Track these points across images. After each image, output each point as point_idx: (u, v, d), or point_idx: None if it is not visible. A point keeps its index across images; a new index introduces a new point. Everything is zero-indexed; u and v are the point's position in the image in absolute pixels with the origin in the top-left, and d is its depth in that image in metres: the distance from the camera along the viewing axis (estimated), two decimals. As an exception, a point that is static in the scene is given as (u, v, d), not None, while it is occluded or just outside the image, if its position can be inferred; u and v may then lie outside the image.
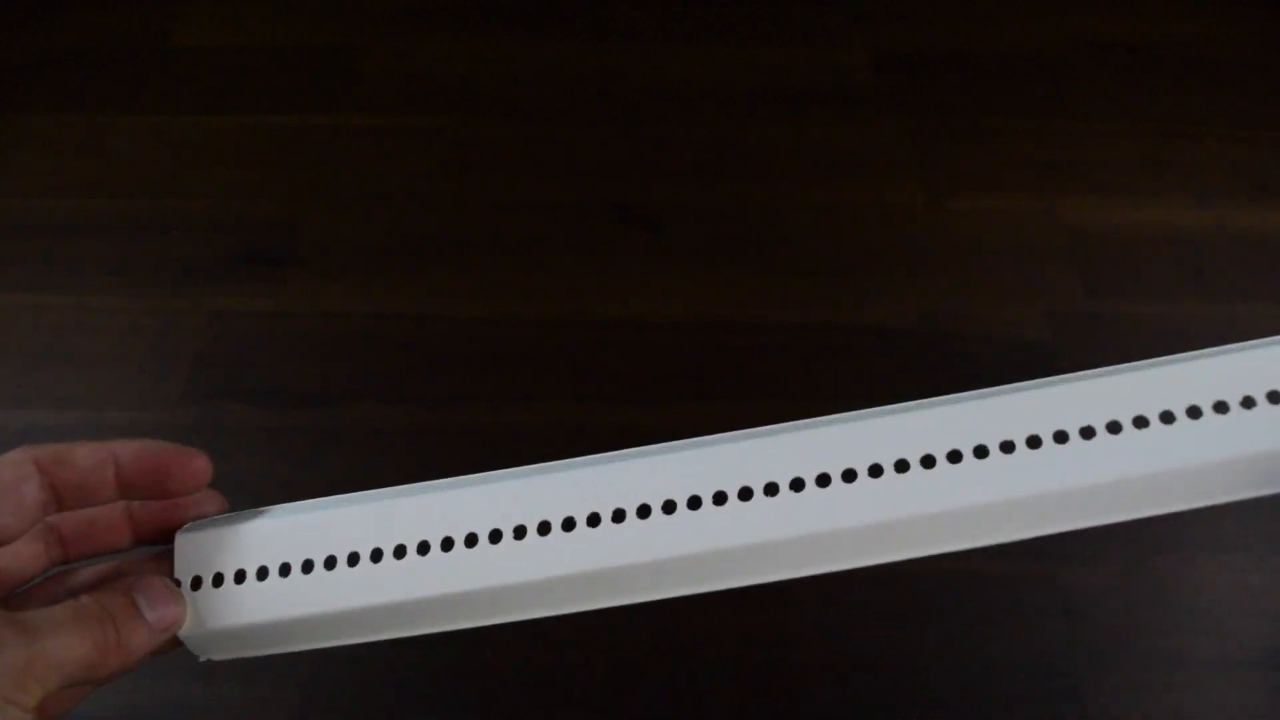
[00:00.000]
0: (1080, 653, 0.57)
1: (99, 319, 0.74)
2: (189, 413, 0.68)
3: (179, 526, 0.32)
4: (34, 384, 0.70)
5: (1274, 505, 0.63)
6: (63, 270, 0.77)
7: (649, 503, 0.30)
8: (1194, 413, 0.28)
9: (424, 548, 0.30)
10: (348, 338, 0.72)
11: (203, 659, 0.32)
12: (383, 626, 0.31)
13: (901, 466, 0.29)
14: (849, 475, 0.29)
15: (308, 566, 0.30)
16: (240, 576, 0.31)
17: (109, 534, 0.32)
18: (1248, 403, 0.27)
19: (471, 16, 0.95)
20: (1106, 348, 0.70)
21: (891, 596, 0.59)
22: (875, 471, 0.29)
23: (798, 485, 0.29)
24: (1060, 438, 0.28)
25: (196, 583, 0.31)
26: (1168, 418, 0.28)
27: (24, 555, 0.31)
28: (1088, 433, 0.28)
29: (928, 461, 0.28)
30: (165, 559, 0.32)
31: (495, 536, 0.30)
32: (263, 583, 0.31)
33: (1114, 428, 0.28)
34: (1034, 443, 0.28)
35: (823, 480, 0.29)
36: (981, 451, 0.28)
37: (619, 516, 0.30)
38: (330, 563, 0.30)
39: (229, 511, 0.33)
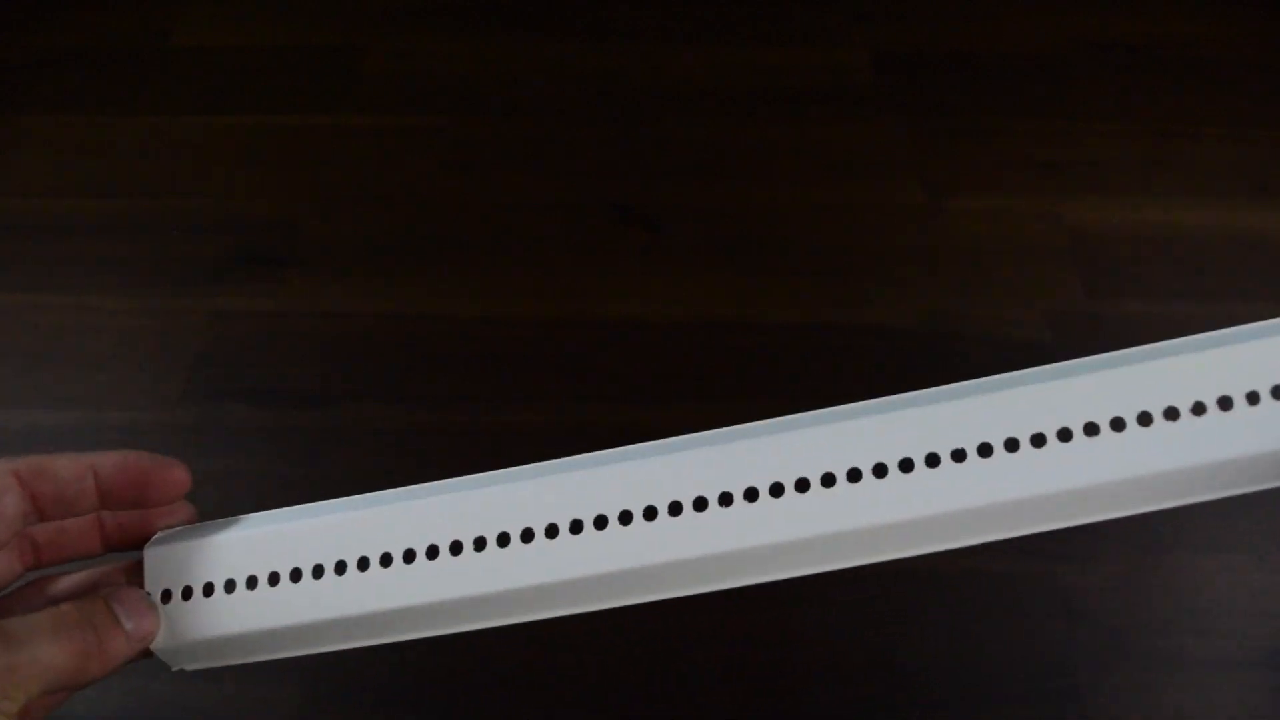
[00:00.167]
0: (1080, 653, 0.57)
1: (99, 319, 0.74)
2: (189, 413, 0.68)
3: (150, 533, 0.33)
4: (34, 384, 0.70)
5: (1274, 505, 0.63)
6: (63, 270, 0.77)
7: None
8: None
9: (386, 560, 0.31)
10: (348, 338, 0.72)
11: (175, 669, 0.32)
12: (350, 637, 0.31)
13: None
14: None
15: (274, 579, 0.31)
16: (209, 590, 0.31)
17: (80, 540, 0.33)
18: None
19: (471, 16, 0.95)
20: (1106, 348, 0.69)
21: (892, 596, 0.59)
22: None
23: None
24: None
25: (166, 595, 0.32)
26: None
27: (0, 564, 0.31)
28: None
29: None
30: (139, 568, 0.32)
31: (456, 548, 0.30)
32: (231, 595, 0.31)
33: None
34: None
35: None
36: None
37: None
38: (296, 575, 0.31)
39: (199, 521, 0.33)
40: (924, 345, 0.70)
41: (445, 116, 0.87)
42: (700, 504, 0.29)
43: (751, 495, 0.29)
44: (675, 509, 0.29)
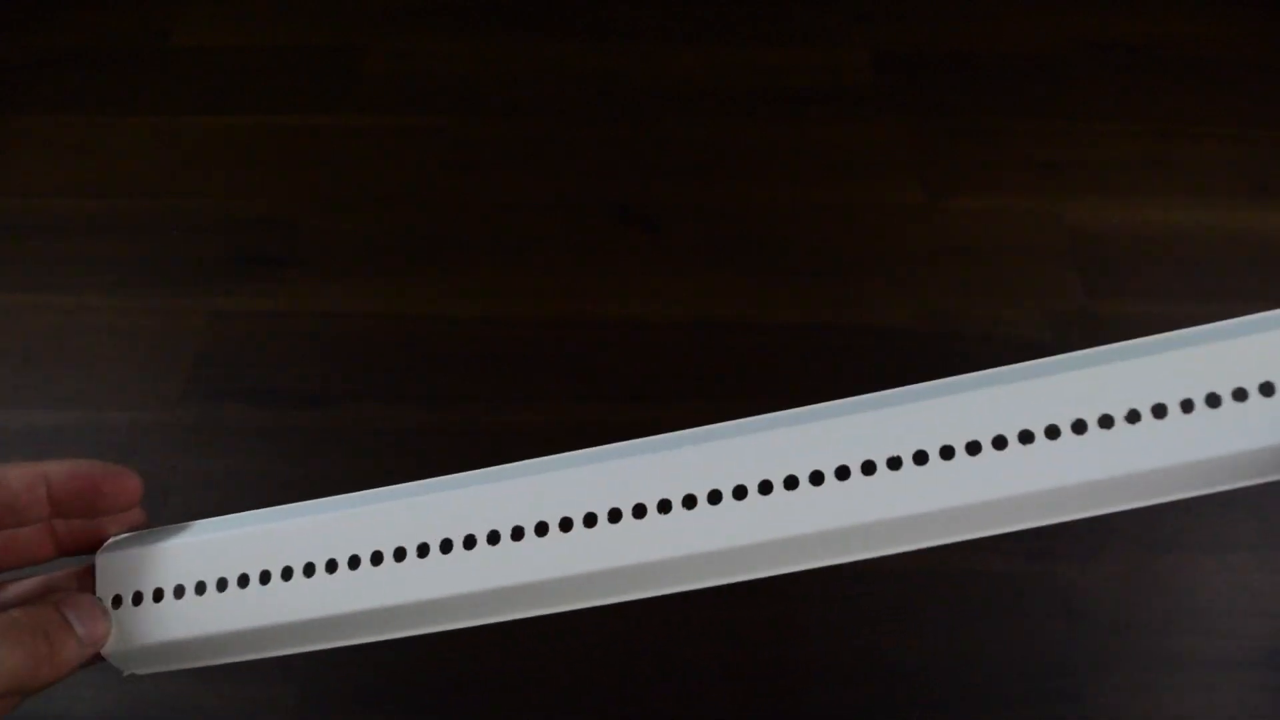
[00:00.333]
0: (1080, 653, 0.57)
1: (99, 319, 0.74)
2: (189, 413, 0.68)
3: (102, 540, 0.33)
4: (34, 384, 0.70)
5: (1274, 505, 0.63)
6: (63, 270, 0.77)
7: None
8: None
9: (332, 566, 0.31)
10: (348, 338, 0.72)
11: (126, 673, 0.33)
12: (297, 642, 0.32)
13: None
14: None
15: (222, 585, 0.32)
16: (158, 595, 0.32)
17: (33, 547, 0.33)
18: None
19: (471, 16, 0.95)
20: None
21: (892, 596, 0.59)
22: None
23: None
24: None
25: (117, 601, 0.32)
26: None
27: None
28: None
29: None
30: (90, 574, 0.33)
31: (400, 554, 0.31)
32: (180, 601, 0.32)
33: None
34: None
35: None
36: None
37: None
38: (243, 581, 0.32)
39: (150, 528, 0.34)
40: (924, 345, 0.70)
41: (445, 116, 0.87)
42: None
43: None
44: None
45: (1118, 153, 0.82)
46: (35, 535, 0.33)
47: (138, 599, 0.32)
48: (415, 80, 0.89)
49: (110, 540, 0.33)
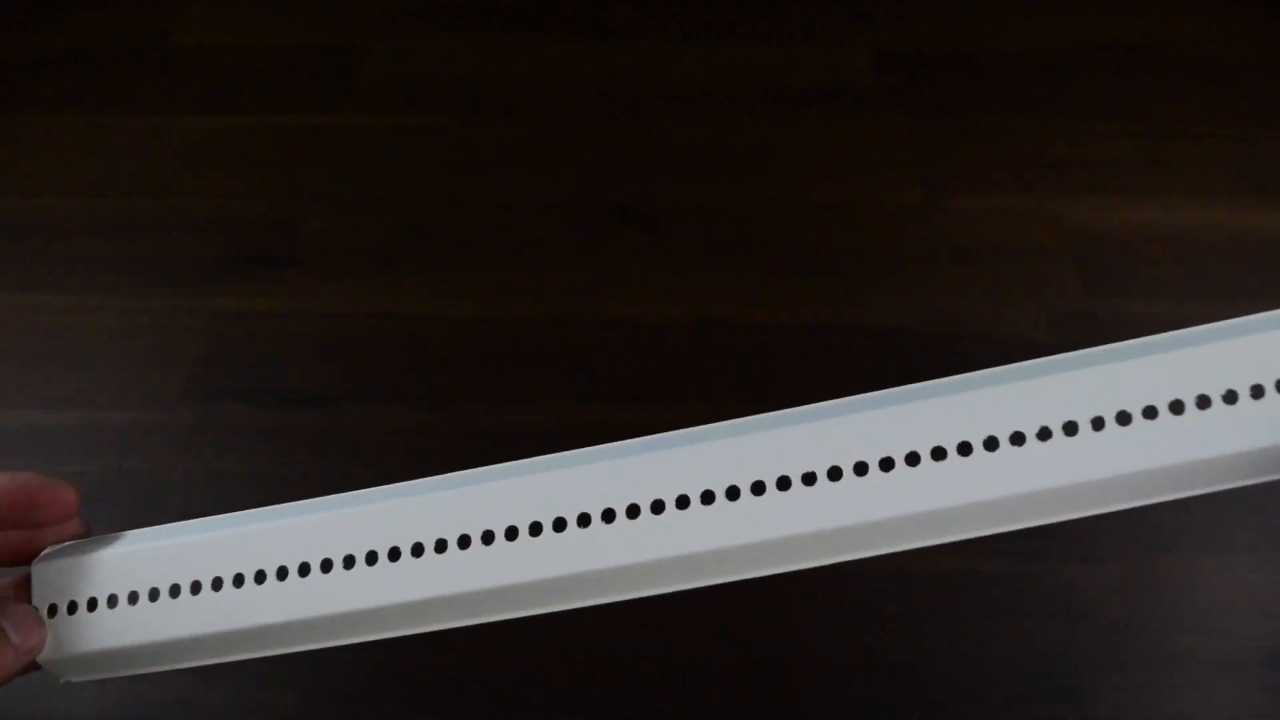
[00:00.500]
0: (1080, 653, 0.57)
1: (99, 319, 0.74)
2: (189, 413, 0.68)
3: (39, 550, 0.34)
4: (34, 384, 0.70)
5: (1274, 504, 0.63)
6: (63, 270, 0.77)
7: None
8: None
9: (260, 577, 0.32)
10: (348, 338, 0.72)
11: (61, 681, 0.34)
12: (232, 649, 0.33)
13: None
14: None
15: (154, 595, 0.32)
16: (92, 605, 0.33)
17: None
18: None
19: (471, 16, 0.95)
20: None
21: (892, 596, 0.59)
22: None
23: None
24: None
25: (52, 610, 0.33)
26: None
27: None
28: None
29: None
30: (25, 584, 0.34)
31: (326, 566, 0.31)
32: (113, 610, 0.32)
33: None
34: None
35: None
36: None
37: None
38: (175, 591, 0.32)
39: (87, 537, 0.35)
40: (924, 345, 0.70)
41: (445, 116, 0.87)
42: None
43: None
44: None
45: (1118, 153, 0.82)
46: None
47: (72, 608, 0.33)
48: (415, 80, 0.89)
49: (46, 551, 0.34)
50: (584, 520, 0.30)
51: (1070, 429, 0.28)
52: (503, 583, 0.30)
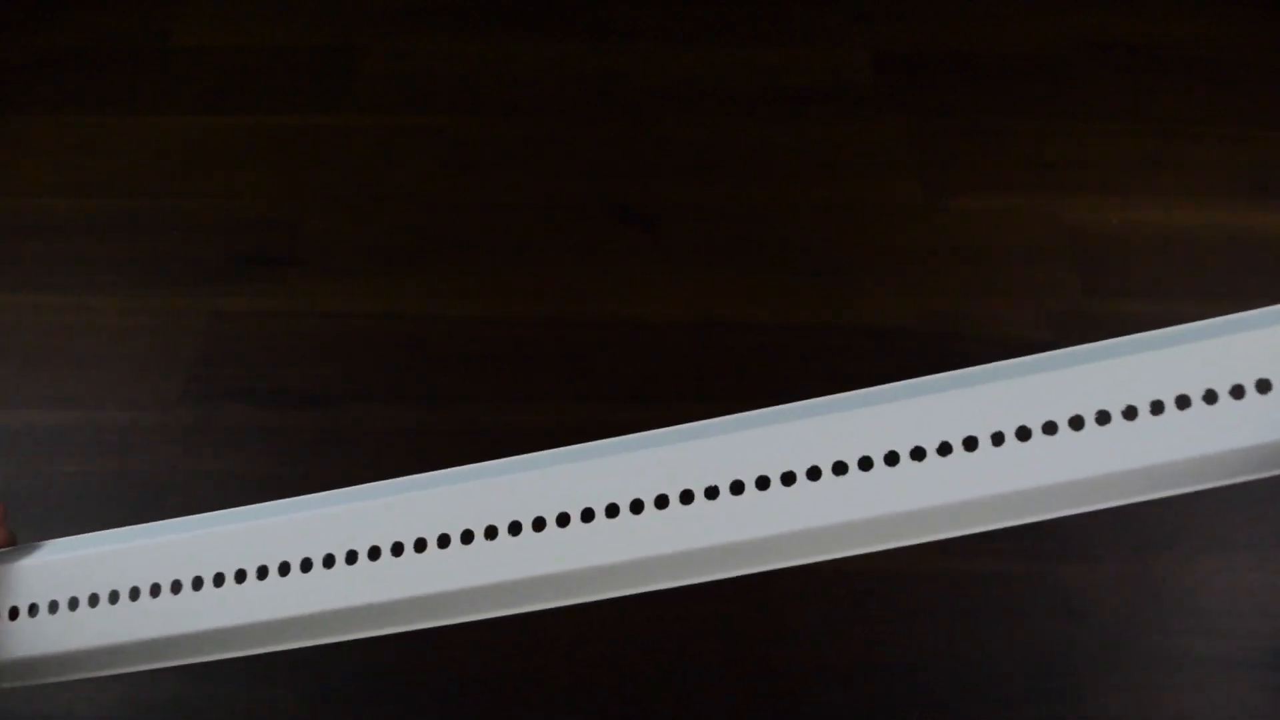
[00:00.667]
0: (1080, 653, 0.57)
1: (99, 319, 0.74)
2: (189, 413, 0.68)
3: None
4: (34, 384, 0.70)
5: (1274, 504, 0.63)
6: (63, 270, 0.77)
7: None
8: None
9: (176, 586, 0.32)
10: (348, 338, 0.72)
11: None
12: (155, 657, 0.33)
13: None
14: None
15: (74, 604, 0.32)
16: (14, 614, 0.33)
17: None
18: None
19: (471, 16, 0.95)
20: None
21: (892, 596, 0.59)
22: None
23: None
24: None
25: None
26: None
27: None
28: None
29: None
30: None
31: (240, 575, 0.31)
32: (34, 619, 0.33)
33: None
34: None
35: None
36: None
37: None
38: (94, 600, 0.32)
39: (10, 546, 0.35)
40: (924, 345, 0.70)
41: (445, 116, 0.87)
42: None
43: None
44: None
45: (1118, 153, 0.82)
46: None
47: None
48: (415, 80, 0.89)
49: None
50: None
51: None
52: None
